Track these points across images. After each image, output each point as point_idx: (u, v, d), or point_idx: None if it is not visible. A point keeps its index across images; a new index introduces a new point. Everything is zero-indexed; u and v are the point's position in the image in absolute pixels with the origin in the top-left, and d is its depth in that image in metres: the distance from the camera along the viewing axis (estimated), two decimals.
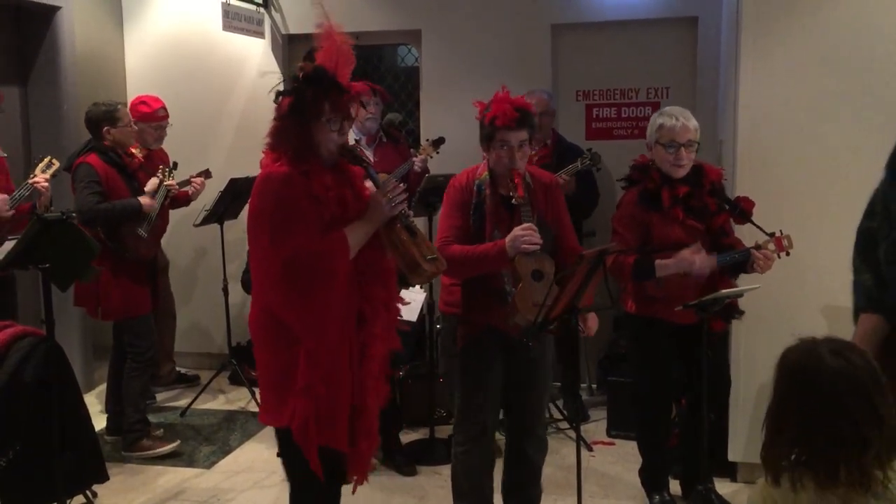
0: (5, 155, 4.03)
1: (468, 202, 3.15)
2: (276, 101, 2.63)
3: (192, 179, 4.97)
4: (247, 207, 2.75)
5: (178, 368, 5.70)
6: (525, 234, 2.95)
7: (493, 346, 3.17)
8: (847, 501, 1.66)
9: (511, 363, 3.22)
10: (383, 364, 2.73)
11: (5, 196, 3.71)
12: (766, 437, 1.77)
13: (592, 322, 3.17)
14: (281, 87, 2.69)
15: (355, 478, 2.75)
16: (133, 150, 4.90)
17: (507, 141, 3.05)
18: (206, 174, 5.06)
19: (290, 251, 2.45)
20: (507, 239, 2.98)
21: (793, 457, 1.71)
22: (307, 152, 2.55)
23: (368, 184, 2.78)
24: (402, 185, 2.65)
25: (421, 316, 4.52)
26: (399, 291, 4.13)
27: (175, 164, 4.80)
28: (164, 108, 4.97)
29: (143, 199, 4.35)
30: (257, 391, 4.94)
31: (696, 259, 3.27)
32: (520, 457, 3.36)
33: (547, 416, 3.68)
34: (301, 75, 2.57)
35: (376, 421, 2.75)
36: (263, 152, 2.68)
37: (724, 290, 3.09)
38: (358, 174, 2.71)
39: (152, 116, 4.89)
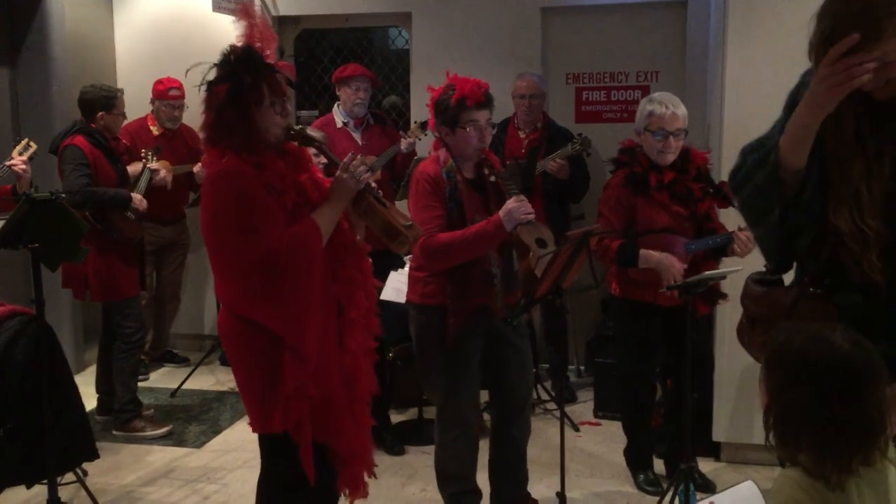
0: None
1: (443, 191, 3.13)
2: (208, 90, 2.46)
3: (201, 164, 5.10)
4: None
5: (168, 348, 5.75)
6: (520, 206, 2.98)
7: (477, 334, 3.20)
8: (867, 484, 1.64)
9: (493, 346, 3.25)
10: (367, 351, 2.62)
11: None
12: (782, 431, 1.67)
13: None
14: (210, 76, 2.51)
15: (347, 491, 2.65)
16: (151, 127, 5.08)
17: (476, 120, 3.08)
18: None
19: (261, 252, 2.32)
20: (502, 213, 3.00)
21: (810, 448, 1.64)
22: (254, 141, 2.41)
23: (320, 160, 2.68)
24: (358, 156, 2.58)
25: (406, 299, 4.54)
26: (388, 272, 4.23)
27: (158, 149, 4.85)
28: (179, 89, 5.17)
29: (135, 196, 4.37)
30: None
31: (676, 265, 3.33)
32: (505, 438, 3.41)
33: (533, 397, 3.72)
34: (233, 59, 2.43)
35: (369, 415, 2.66)
36: (204, 150, 2.52)
37: (706, 273, 3.13)
38: (306, 156, 2.61)
39: (163, 94, 5.16)
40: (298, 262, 2.36)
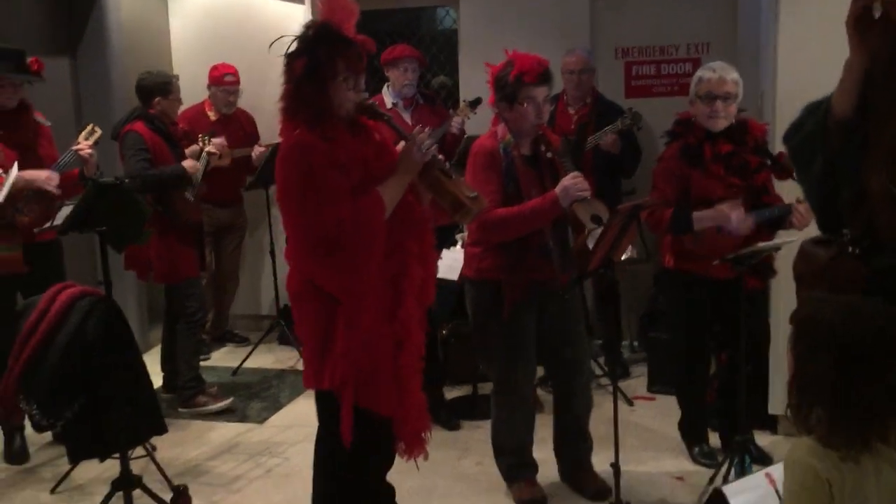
0: (49, 123, 4.18)
1: (499, 166, 3.19)
2: (288, 64, 2.55)
3: (258, 147, 5.33)
4: None
5: (228, 329, 5.91)
6: (576, 183, 3.01)
7: (532, 309, 3.24)
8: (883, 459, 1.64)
9: (549, 321, 3.30)
10: (420, 319, 2.69)
11: (54, 174, 3.86)
12: (797, 396, 1.68)
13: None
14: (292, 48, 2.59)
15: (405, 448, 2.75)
16: (208, 112, 5.24)
17: (535, 97, 3.10)
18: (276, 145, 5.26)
19: (325, 227, 2.42)
20: (558, 189, 3.03)
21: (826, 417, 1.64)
22: (326, 115, 2.50)
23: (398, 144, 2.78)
24: (427, 129, 2.65)
25: (461, 274, 4.60)
26: (441, 249, 4.28)
27: (213, 133, 4.96)
28: (234, 75, 5.34)
29: (187, 163, 4.49)
30: None
31: (733, 215, 3.29)
32: (565, 412, 3.46)
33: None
34: (311, 34, 2.51)
35: (420, 381, 2.73)
36: (280, 120, 2.62)
37: (760, 244, 3.11)
38: (377, 128, 2.68)
39: (219, 80, 5.33)
40: (361, 236, 2.46)
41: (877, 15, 1.72)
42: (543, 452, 3.58)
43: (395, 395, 2.64)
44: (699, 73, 3.53)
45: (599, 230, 2.87)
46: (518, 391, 3.36)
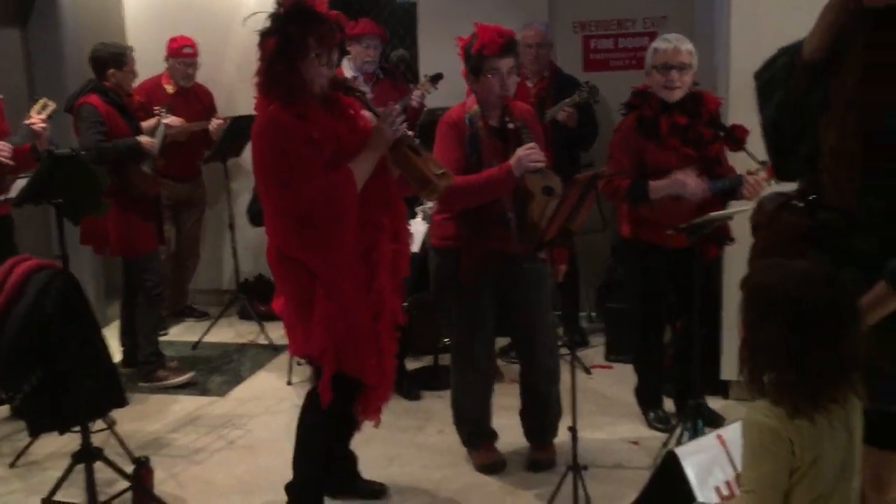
0: (2, 97, 4.11)
1: (463, 135, 3.23)
2: (260, 42, 2.59)
3: (215, 120, 5.26)
4: (250, 146, 2.79)
5: (187, 304, 5.87)
6: (530, 153, 3.05)
7: (492, 279, 3.28)
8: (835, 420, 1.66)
9: (511, 292, 3.34)
10: (395, 289, 2.80)
11: (4, 144, 3.79)
12: (750, 361, 1.69)
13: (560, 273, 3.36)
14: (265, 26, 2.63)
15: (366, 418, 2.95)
16: (165, 85, 5.16)
17: (498, 68, 3.13)
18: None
19: (298, 202, 2.49)
20: (513, 160, 3.07)
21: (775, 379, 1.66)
22: (299, 92, 2.54)
23: (366, 114, 2.84)
24: (398, 107, 2.71)
25: (424, 247, 4.63)
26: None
27: (170, 105, 4.91)
28: (192, 47, 5.28)
29: (143, 138, 4.44)
30: (267, 325, 5.16)
31: (689, 181, 3.37)
32: (527, 382, 3.52)
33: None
34: (282, 11, 2.54)
35: (394, 348, 2.86)
36: (255, 96, 2.67)
37: (712, 213, 3.19)
38: (351, 104, 2.74)
39: (178, 52, 5.27)
40: (334, 211, 2.53)
41: None
42: (507, 419, 3.64)
43: (377, 364, 2.74)
44: (654, 44, 3.60)
45: (555, 203, 2.92)
46: (474, 360, 3.41)
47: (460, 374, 3.48)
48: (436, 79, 4.84)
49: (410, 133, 2.75)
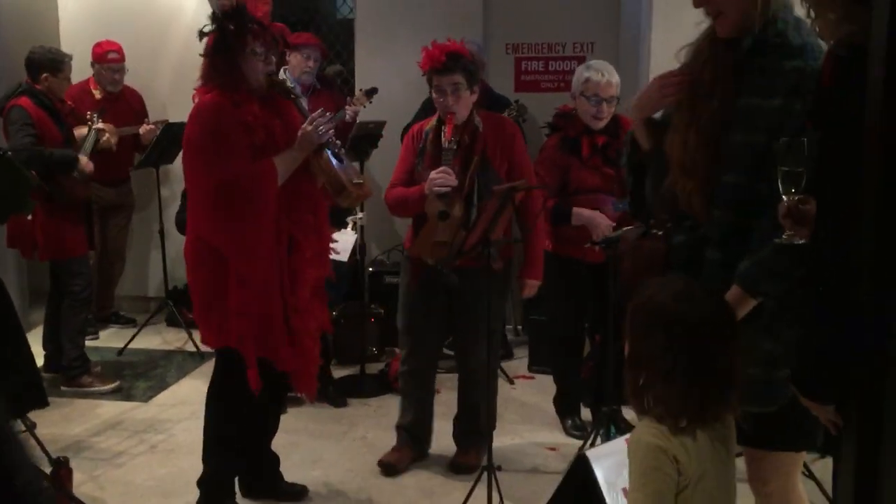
0: None
1: (415, 146, 3.39)
2: (200, 39, 2.77)
3: (146, 125, 5.24)
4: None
5: (114, 310, 5.82)
6: (438, 177, 3.18)
7: (432, 288, 3.37)
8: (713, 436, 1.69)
9: (452, 303, 3.44)
10: (317, 289, 2.92)
11: None
12: (633, 378, 1.70)
13: (529, 289, 3.52)
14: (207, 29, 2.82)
15: (303, 394, 3.07)
16: (93, 90, 5.13)
17: (440, 85, 3.25)
18: (164, 122, 5.21)
19: (221, 176, 2.62)
20: (427, 181, 3.19)
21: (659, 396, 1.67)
22: (236, 83, 2.70)
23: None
24: (327, 114, 2.84)
25: (353, 256, 4.71)
26: (333, 231, 4.39)
27: (102, 110, 4.91)
28: (118, 52, 5.24)
29: (82, 158, 4.43)
30: (194, 333, 5.15)
31: (604, 227, 3.59)
32: (460, 390, 3.63)
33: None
34: (220, 13, 2.73)
35: (317, 343, 2.96)
36: (195, 91, 2.83)
37: (625, 228, 3.35)
38: (288, 106, 2.88)
39: (102, 58, 5.23)
40: (251, 195, 2.67)
41: None
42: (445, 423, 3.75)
43: (291, 354, 2.84)
44: (585, 73, 3.75)
45: (452, 227, 3.13)
46: (415, 359, 3.54)
47: (406, 366, 3.58)
48: (371, 93, 4.94)
49: (337, 142, 2.89)
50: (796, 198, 1.68)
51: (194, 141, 2.71)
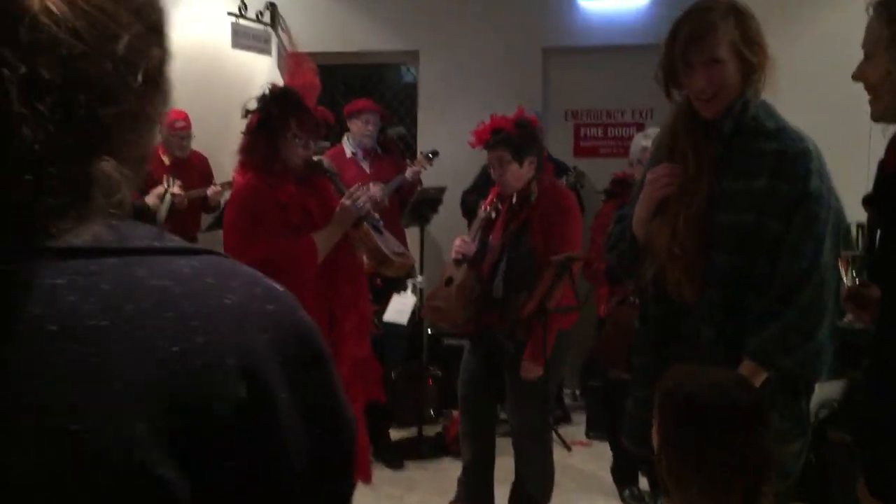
0: None
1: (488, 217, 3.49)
2: (244, 116, 2.84)
3: (213, 187, 5.42)
4: None
5: None
6: (457, 244, 3.33)
7: (479, 354, 3.42)
8: None
9: (502, 371, 3.44)
10: (360, 362, 2.92)
11: None
12: (663, 468, 1.64)
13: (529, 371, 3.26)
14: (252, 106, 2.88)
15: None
16: (162, 157, 5.39)
17: (490, 159, 3.34)
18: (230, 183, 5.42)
19: (259, 255, 2.60)
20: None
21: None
22: (274, 164, 2.76)
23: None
24: (364, 187, 2.94)
25: (412, 319, 4.79)
26: (389, 296, 4.48)
27: (175, 175, 5.13)
28: (184, 121, 5.45)
29: (149, 199, 4.64)
30: None
31: None
32: (515, 459, 3.55)
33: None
34: (268, 94, 2.80)
35: (362, 418, 2.95)
36: (234, 171, 2.92)
37: None
38: (324, 184, 2.96)
39: (170, 126, 5.41)
40: (292, 273, 2.63)
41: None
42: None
43: None
44: (643, 141, 3.79)
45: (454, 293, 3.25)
46: (465, 434, 3.53)
47: (462, 443, 3.59)
48: (431, 156, 5.07)
49: (375, 214, 2.99)
50: (858, 282, 1.68)
51: (232, 223, 2.78)
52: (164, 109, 0.72)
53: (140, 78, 0.66)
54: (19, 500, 0.57)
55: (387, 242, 2.95)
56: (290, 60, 2.91)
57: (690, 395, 1.61)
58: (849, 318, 1.71)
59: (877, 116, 1.95)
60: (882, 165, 1.82)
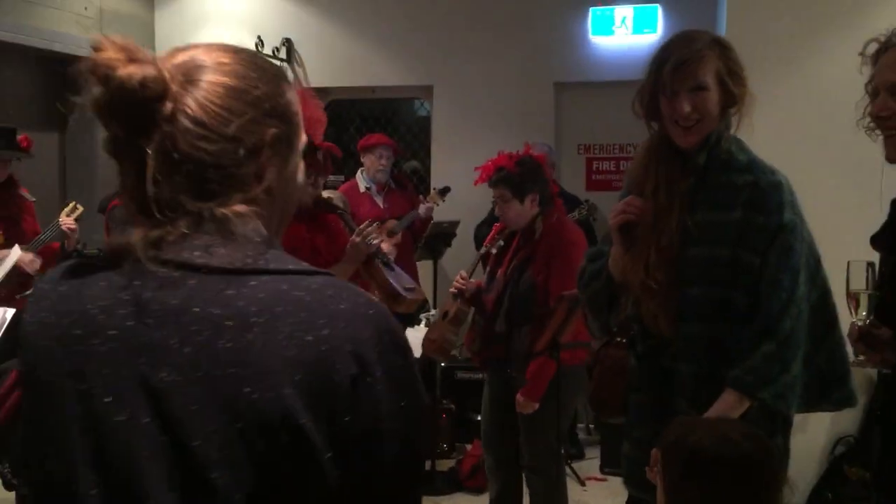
0: (34, 199, 4.40)
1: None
2: None
3: None
4: None
5: None
6: (457, 279, 3.42)
7: (493, 385, 3.46)
8: None
9: (512, 399, 3.46)
10: None
11: (36, 258, 4.07)
12: None
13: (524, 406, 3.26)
14: None
15: None
16: None
17: (494, 196, 3.39)
18: None
19: None
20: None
21: None
22: None
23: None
24: (374, 224, 2.98)
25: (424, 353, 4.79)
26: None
27: None
28: None
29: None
30: None
31: None
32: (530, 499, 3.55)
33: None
34: None
35: None
36: None
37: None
38: (333, 221, 3.01)
39: None
40: None
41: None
42: None
43: None
44: None
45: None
46: (488, 468, 3.56)
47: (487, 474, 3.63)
48: (444, 192, 5.11)
49: (385, 252, 3.04)
50: (868, 321, 1.68)
51: None
52: (287, 164, 1.06)
53: (243, 150, 0.96)
54: (212, 443, 0.87)
55: (398, 278, 2.99)
56: (297, 96, 2.97)
57: (695, 446, 1.55)
58: (859, 358, 1.70)
59: (691, 144, 2.02)
60: (894, 203, 1.83)
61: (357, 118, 6.57)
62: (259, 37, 5.78)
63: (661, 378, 2.07)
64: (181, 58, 0.98)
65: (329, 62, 5.94)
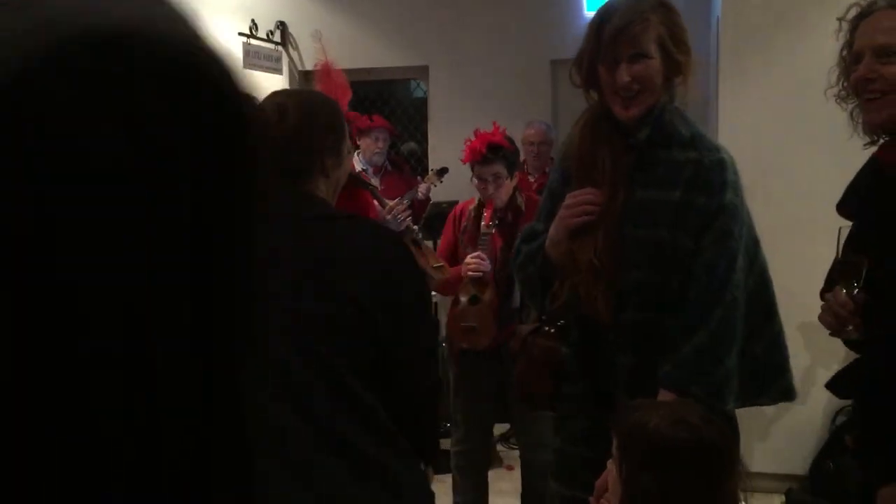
0: None
1: (458, 224, 3.48)
2: None
3: None
4: None
5: None
6: (472, 262, 3.24)
7: (481, 365, 3.40)
8: None
9: (507, 382, 3.46)
10: None
11: None
12: None
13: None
14: None
15: None
16: None
17: (482, 174, 3.35)
18: None
19: None
20: (462, 265, 3.31)
21: None
22: None
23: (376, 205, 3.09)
24: (405, 201, 2.95)
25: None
26: None
27: None
28: None
29: None
30: None
31: None
32: (523, 475, 3.57)
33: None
34: None
35: None
36: None
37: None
38: (362, 196, 3.00)
39: None
40: None
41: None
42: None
43: None
44: None
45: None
46: (462, 448, 3.54)
47: (456, 459, 3.58)
48: (441, 173, 5.09)
49: (414, 227, 2.99)
50: (856, 290, 1.68)
51: None
52: (338, 157, 1.71)
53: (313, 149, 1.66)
54: (305, 328, 1.50)
55: (426, 256, 2.97)
56: (321, 70, 2.96)
57: (654, 431, 1.50)
58: (849, 328, 1.67)
59: (632, 116, 1.86)
60: (881, 167, 1.80)
61: (353, 100, 6.52)
62: (253, 20, 5.76)
63: (597, 368, 1.94)
64: None
65: (324, 45, 5.91)
